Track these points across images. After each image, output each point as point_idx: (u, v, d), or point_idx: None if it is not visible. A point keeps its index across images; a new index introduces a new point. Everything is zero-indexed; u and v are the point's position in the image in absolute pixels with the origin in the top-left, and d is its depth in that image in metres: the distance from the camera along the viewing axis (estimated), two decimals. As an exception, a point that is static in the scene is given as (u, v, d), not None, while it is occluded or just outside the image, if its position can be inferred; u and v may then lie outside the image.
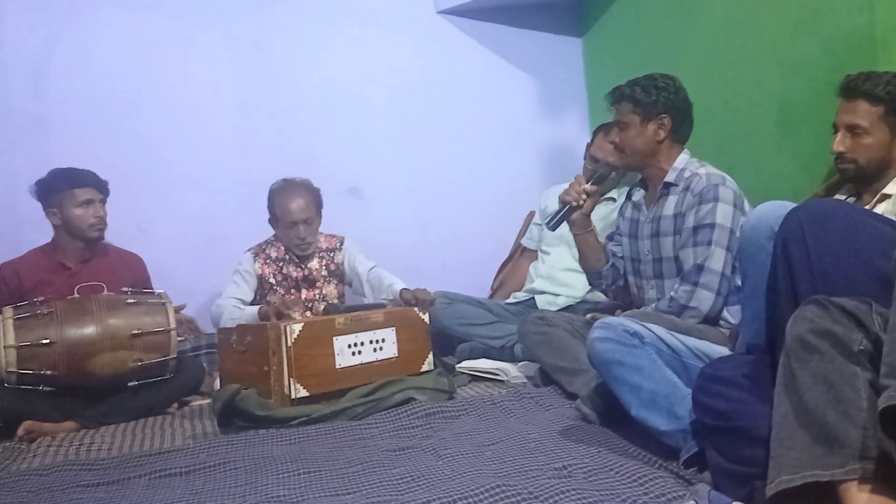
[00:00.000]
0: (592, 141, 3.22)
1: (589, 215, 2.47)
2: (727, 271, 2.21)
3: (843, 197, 2.11)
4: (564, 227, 2.51)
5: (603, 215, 3.08)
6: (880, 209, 1.94)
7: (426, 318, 2.79)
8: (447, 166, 3.83)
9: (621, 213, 2.60)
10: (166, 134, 3.47)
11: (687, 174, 2.34)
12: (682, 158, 2.39)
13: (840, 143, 2.03)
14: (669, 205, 2.35)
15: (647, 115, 2.35)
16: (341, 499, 1.64)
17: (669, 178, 2.37)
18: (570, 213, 2.43)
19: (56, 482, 1.95)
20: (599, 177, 2.48)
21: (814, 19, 2.58)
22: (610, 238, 2.63)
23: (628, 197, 2.58)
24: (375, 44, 3.80)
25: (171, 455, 2.14)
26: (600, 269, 2.55)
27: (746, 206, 2.31)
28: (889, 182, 2.00)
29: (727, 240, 2.21)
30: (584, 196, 2.41)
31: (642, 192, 2.49)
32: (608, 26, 3.92)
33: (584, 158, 3.25)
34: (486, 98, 3.96)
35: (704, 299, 2.20)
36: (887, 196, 1.99)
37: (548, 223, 2.49)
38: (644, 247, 2.43)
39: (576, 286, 3.14)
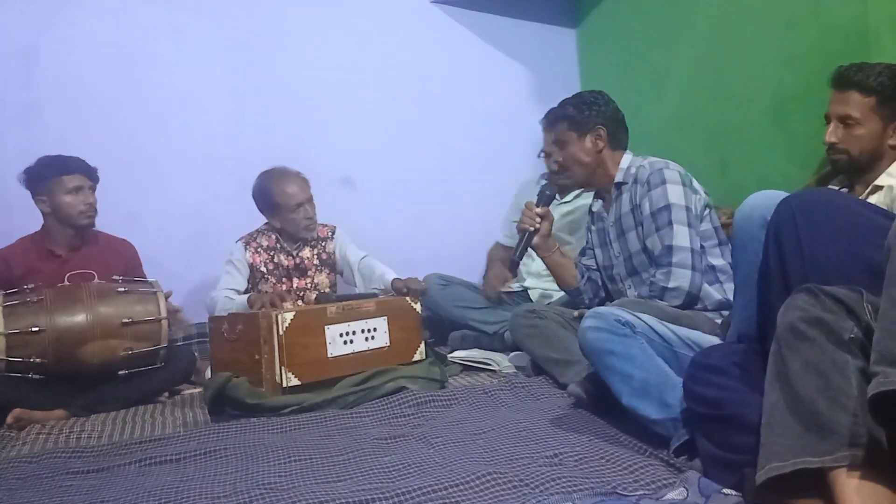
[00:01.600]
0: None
1: (549, 236, 2.55)
2: (696, 246, 2.26)
3: (835, 188, 2.11)
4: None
5: (561, 213, 3.15)
6: (872, 200, 1.95)
7: (418, 307, 2.80)
8: (440, 157, 3.83)
9: (588, 228, 2.66)
10: (157, 122, 3.45)
11: (633, 170, 2.42)
12: (626, 158, 2.46)
13: (832, 133, 2.03)
14: (625, 202, 2.41)
15: (582, 129, 2.44)
16: (332, 486, 1.64)
17: (618, 178, 2.44)
18: (530, 239, 2.52)
19: (45, 469, 1.94)
20: (547, 198, 2.56)
21: (808, 11, 2.58)
22: (582, 254, 2.67)
23: (590, 212, 2.63)
24: (369, 33, 3.79)
25: (161, 443, 2.13)
26: (578, 286, 2.60)
27: (696, 184, 2.37)
28: (881, 173, 2.01)
29: (686, 217, 2.27)
30: (537, 220, 2.51)
31: (600, 202, 2.56)
32: (602, 18, 3.92)
33: (539, 157, 3.29)
34: (479, 88, 3.95)
35: (682, 277, 2.23)
36: (879, 188, 1.99)
37: (513, 254, 2.57)
38: (614, 250, 2.48)
39: None
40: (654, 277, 2.28)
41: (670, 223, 2.26)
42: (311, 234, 3.08)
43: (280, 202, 3.00)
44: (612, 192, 2.46)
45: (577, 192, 3.20)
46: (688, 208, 2.28)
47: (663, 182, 2.29)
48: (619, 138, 2.47)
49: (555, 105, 2.61)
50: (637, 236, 2.37)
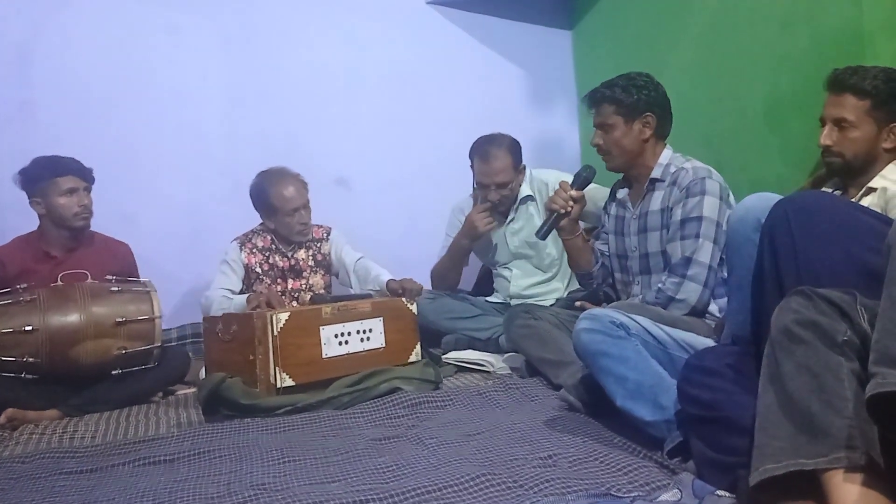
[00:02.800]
0: (472, 164, 3.14)
1: (577, 220, 2.47)
2: (714, 264, 2.22)
3: (829, 190, 2.11)
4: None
5: (526, 219, 3.12)
6: (865, 203, 1.95)
7: (414, 308, 2.78)
8: (435, 158, 3.82)
9: (606, 210, 2.60)
10: (152, 121, 3.45)
11: (672, 169, 2.35)
12: (667, 154, 2.39)
13: (827, 136, 2.03)
14: (656, 200, 2.36)
15: (630, 114, 2.35)
16: (326, 487, 1.63)
17: (655, 174, 2.37)
18: (558, 221, 2.43)
19: (38, 469, 1.93)
20: (583, 180, 2.47)
21: (803, 14, 2.59)
22: (597, 237, 2.63)
23: (612, 195, 2.57)
24: (364, 34, 3.79)
25: (155, 443, 2.13)
26: (591, 271, 2.54)
27: (732, 199, 2.32)
28: (875, 176, 2.01)
29: (714, 233, 2.23)
30: (571, 203, 2.41)
31: (626, 189, 2.49)
32: (598, 19, 3.92)
33: (473, 189, 3.19)
34: (474, 90, 3.95)
35: (692, 291, 2.21)
36: (872, 190, 1.99)
37: (537, 233, 2.49)
38: (631, 243, 2.44)
39: (552, 292, 3.15)
40: (664, 285, 2.25)
41: (697, 236, 2.22)
42: (303, 239, 3.07)
43: (276, 205, 2.99)
44: (644, 185, 2.39)
45: (515, 207, 3.15)
46: (718, 224, 2.23)
47: (703, 193, 2.24)
48: (665, 126, 2.39)
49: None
50: (660, 238, 2.34)
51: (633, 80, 2.37)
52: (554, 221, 2.42)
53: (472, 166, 3.14)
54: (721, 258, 2.24)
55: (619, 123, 2.36)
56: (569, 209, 2.40)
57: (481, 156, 3.06)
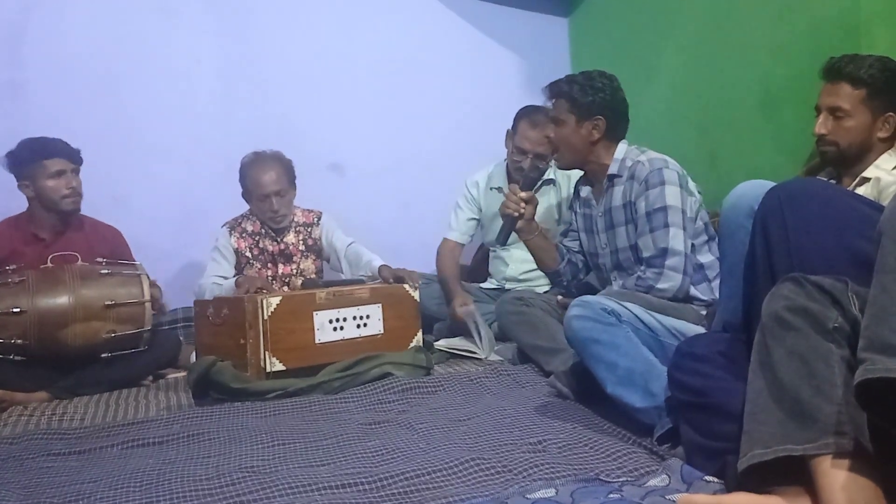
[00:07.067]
0: (515, 128, 3.04)
1: (532, 220, 2.46)
2: (688, 251, 2.23)
3: (823, 179, 2.11)
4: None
5: (547, 205, 3.06)
6: (859, 192, 1.94)
7: (416, 294, 2.76)
8: (429, 144, 3.81)
9: (572, 209, 2.61)
10: (145, 104, 3.42)
11: (629, 163, 2.35)
12: (622, 149, 2.39)
13: (822, 125, 2.03)
14: (617, 195, 2.37)
15: (582, 115, 2.35)
16: (315, 470, 1.63)
17: (612, 170, 2.38)
18: (514, 224, 2.42)
19: (26, 451, 1.93)
20: (531, 181, 2.47)
21: (799, 2, 2.58)
22: (564, 235, 2.64)
23: (576, 193, 2.58)
24: (359, 18, 3.77)
25: (144, 425, 2.12)
26: (557, 269, 2.54)
27: (691, 184, 2.33)
28: (869, 165, 2.01)
29: (681, 219, 2.23)
30: (522, 205, 2.40)
31: (588, 188, 2.50)
32: (594, 7, 3.91)
33: (507, 148, 3.11)
34: (469, 76, 3.94)
35: (673, 280, 2.21)
36: (866, 179, 1.99)
37: (496, 239, 2.50)
38: (600, 241, 2.45)
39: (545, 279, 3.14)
40: (645, 275, 2.25)
41: (666, 225, 2.22)
42: (277, 226, 3.03)
43: (251, 189, 2.99)
44: (604, 182, 2.41)
45: (538, 187, 3.08)
46: (683, 211, 2.24)
47: (662, 183, 2.25)
48: (617, 131, 2.39)
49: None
50: (627, 233, 2.34)
51: (592, 81, 2.36)
52: (511, 225, 2.42)
53: (511, 129, 3.04)
54: (693, 245, 2.26)
55: (571, 121, 2.36)
56: (521, 211, 2.40)
57: (531, 121, 2.97)
